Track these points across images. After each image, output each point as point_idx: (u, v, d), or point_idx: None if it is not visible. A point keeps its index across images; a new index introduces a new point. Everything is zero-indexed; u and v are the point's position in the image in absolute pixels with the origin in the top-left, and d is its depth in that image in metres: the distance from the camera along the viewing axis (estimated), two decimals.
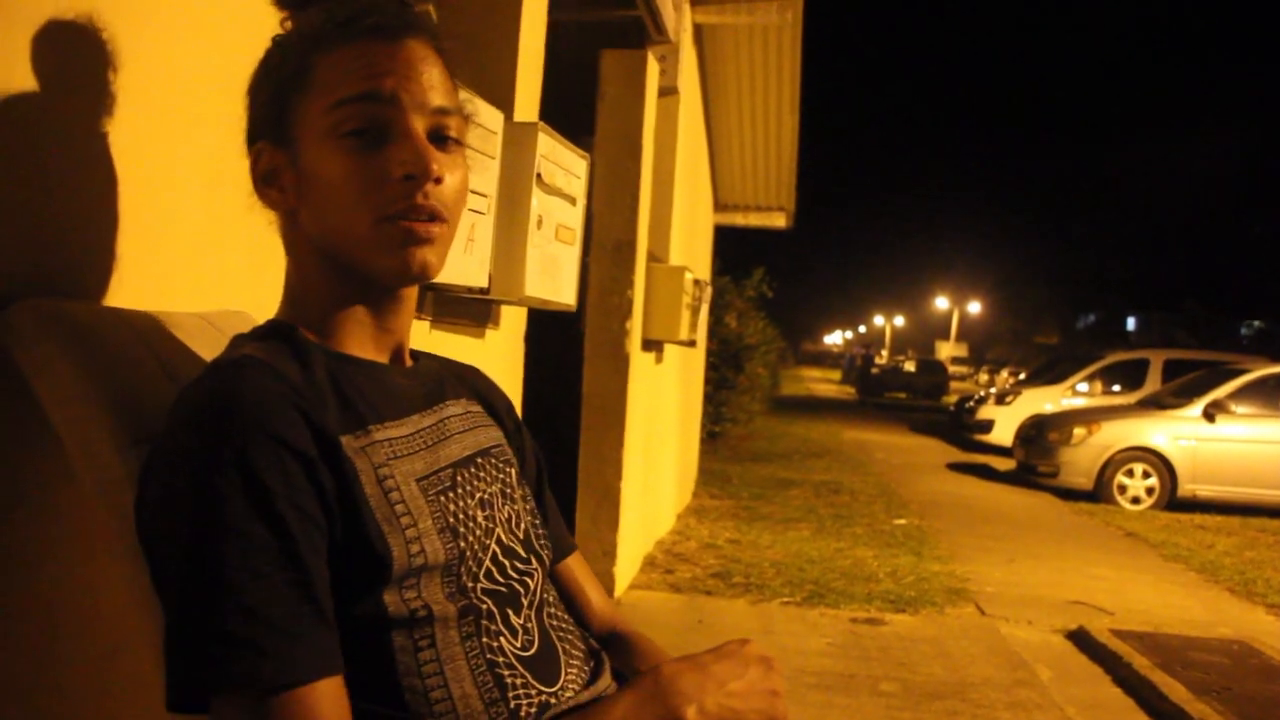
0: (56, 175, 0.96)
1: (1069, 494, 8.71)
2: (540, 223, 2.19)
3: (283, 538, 0.73)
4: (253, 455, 0.73)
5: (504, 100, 2.31)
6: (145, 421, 0.87)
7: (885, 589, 4.75)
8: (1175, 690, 3.38)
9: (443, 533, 0.85)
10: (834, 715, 3.14)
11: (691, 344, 5.65)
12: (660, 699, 0.83)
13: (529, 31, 2.50)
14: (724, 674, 0.87)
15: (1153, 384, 11.43)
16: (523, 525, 0.98)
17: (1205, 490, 8.39)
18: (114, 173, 1.02)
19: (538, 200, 2.17)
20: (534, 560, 0.96)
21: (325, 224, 0.88)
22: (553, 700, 0.87)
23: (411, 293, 0.95)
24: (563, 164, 2.30)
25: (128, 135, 1.04)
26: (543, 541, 1.00)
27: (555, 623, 0.96)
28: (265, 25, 0.93)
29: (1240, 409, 8.53)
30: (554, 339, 3.78)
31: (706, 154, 7.29)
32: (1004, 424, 12.13)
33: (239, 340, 0.90)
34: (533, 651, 0.89)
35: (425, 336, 2.01)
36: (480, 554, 0.89)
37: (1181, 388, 9.46)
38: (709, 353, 8.71)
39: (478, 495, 0.92)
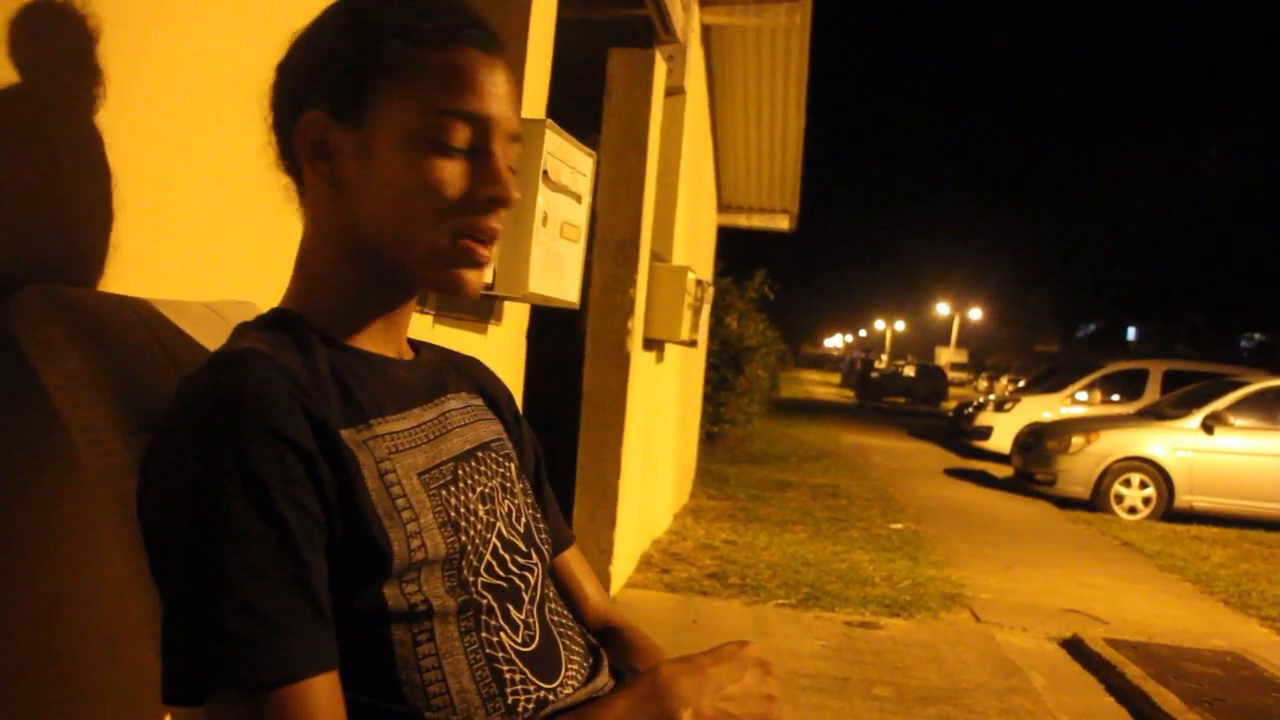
0: (64, 163, 0.96)
1: (1066, 502, 8.71)
2: (546, 220, 2.19)
3: (281, 534, 0.73)
4: (252, 452, 0.73)
5: None
6: (149, 409, 0.87)
7: (881, 593, 4.76)
8: (1168, 700, 3.38)
9: (444, 527, 0.85)
10: (827, 718, 3.14)
11: (692, 344, 5.65)
12: (657, 701, 0.83)
13: (538, 28, 2.50)
14: (721, 677, 0.87)
15: (1152, 394, 11.45)
16: (523, 519, 0.98)
17: (1202, 502, 8.40)
18: (122, 161, 1.02)
19: (544, 197, 2.16)
20: (534, 555, 0.96)
21: (382, 220, 0.86)
22: (551, 697, 0.87)
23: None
24: (569, 161, 2.29)
25: (136, 124, 1.04)
26: (543, 536, 1.01)
27: (556, 618, 0.96)
28: (275, 16, 0.92)
29: (1239, 421, 8.53)
30: (555, 337, 3.78)
31: (711, 154, 7.28)
32: (1002, 431, 12.14)
33: (242, 329, 0.90)
34: (533, 647, 0.89)
35: (428, 331, 2.01)
36: (481, 548, 0.89)
37: (1181, 399, 9.46)
38: (709, 353, 8.71)
39: (479, 489, 0.92)
